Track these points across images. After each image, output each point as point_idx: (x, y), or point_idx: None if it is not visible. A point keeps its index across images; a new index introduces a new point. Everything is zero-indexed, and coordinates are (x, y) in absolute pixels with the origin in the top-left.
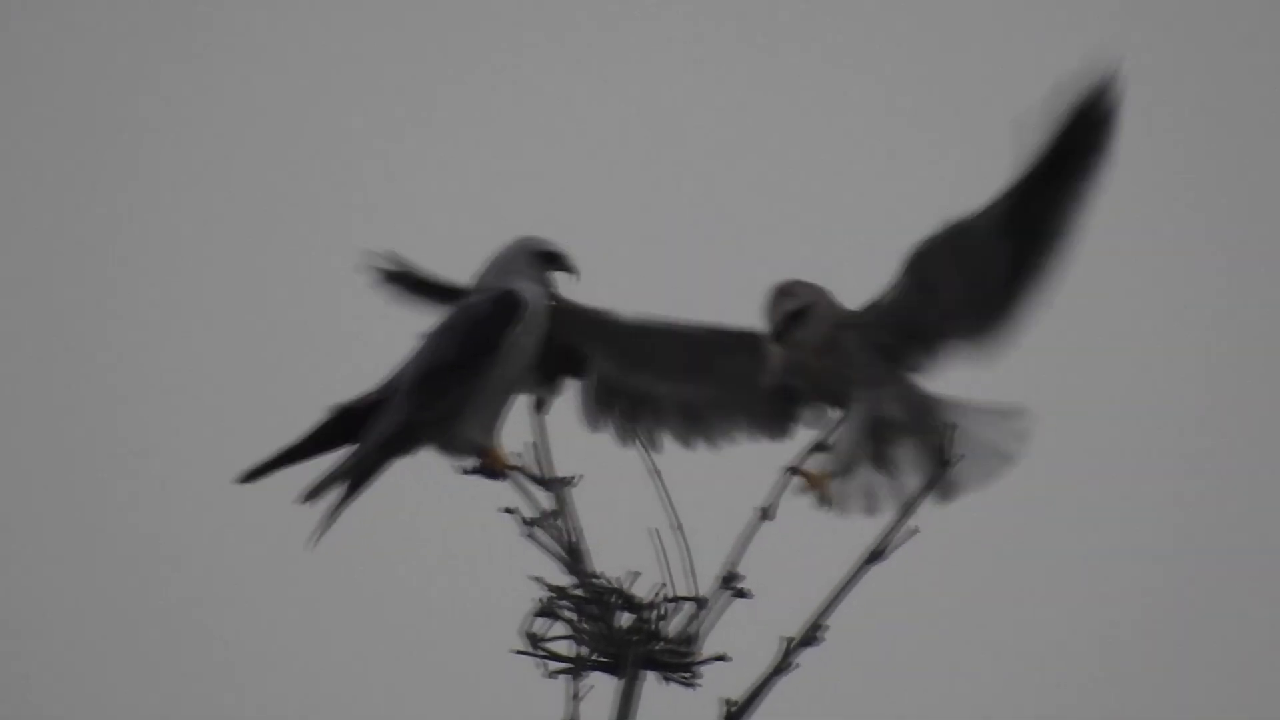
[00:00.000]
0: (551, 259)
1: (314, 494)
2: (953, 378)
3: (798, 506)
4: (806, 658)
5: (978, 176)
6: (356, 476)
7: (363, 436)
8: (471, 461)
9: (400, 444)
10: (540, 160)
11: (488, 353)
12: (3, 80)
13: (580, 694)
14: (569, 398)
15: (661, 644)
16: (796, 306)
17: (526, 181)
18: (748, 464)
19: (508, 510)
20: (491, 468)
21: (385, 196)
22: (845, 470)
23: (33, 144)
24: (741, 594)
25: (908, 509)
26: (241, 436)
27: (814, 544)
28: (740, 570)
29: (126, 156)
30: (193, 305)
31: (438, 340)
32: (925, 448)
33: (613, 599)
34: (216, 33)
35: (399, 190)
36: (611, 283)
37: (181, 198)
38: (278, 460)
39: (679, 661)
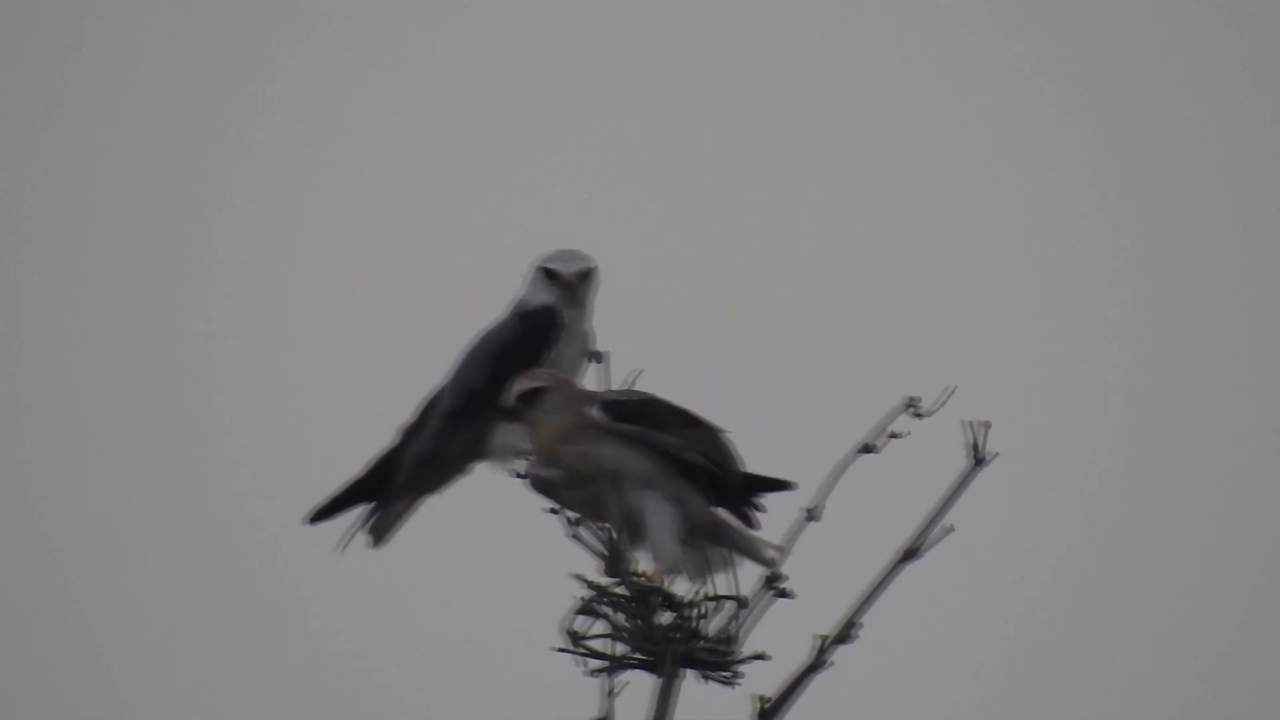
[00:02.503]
0: (550, 276)
1: (346, 543)
2: None
3: (838, 506)
4: (840, 655)
5: (979, 174)
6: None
7: (397, 468)
8: (520, 465)
9: (433, 470)
10: (548, 165)
11: (514, 372)
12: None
13: (615, 691)
14: None
15: (701, 642)
16: (533, 386)
17: (537, 186)
18: (791, 465)
19: (553, 510)
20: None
21: (403, 204)
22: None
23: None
24: (784, 594)
25: (943, 505)
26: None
27: (848, 541)
28: (782, 570)
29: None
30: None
31: (466, 368)
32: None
33: (654, 597)
34: (234, 40)
35: (414, 196)
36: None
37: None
38: (342, 499)
39: (719, 660)
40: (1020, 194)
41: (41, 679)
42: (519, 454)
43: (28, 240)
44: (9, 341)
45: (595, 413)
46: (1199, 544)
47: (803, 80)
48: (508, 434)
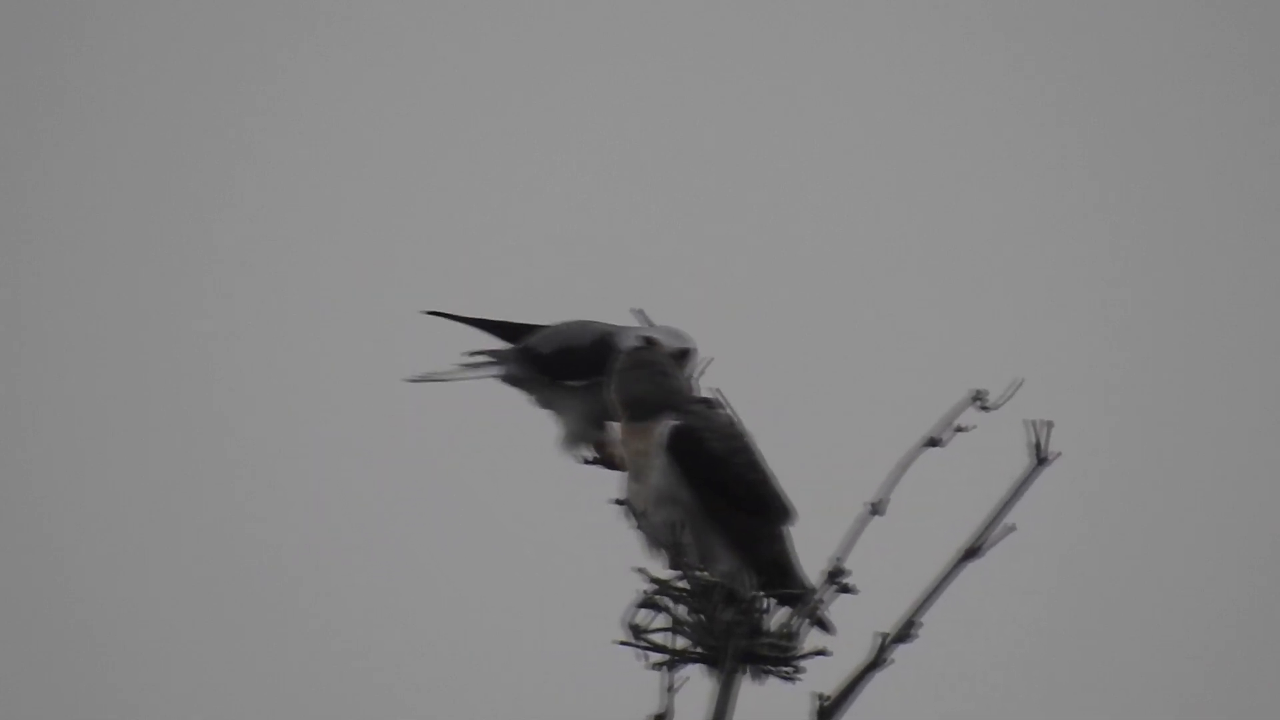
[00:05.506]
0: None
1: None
2: None
3: (902, 503)
4: (900, 654)
5: (980, 172)
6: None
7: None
8: (590, 453)
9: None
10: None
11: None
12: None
13: (675, 686)
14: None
15: (763, 638)
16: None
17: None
18: (856, 457)
19: (618, 501)
20: (610, 459)
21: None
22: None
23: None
24: (846, 589)
25: (1005, 503)
26: None
27: (910, 539)
28: (845, 565)
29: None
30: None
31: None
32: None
33: (716, 592)
34: (234, 40)
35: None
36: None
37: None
38: (463, 319)
39: (780, 656)
40: (1021, 193)
41: (41, 679)
42: (587, 441)
43: (28, 240)
44: (9, 341)
45: (664, 429)
46: (1199, 544)
47: (803, 80)
48: (574, 419)
